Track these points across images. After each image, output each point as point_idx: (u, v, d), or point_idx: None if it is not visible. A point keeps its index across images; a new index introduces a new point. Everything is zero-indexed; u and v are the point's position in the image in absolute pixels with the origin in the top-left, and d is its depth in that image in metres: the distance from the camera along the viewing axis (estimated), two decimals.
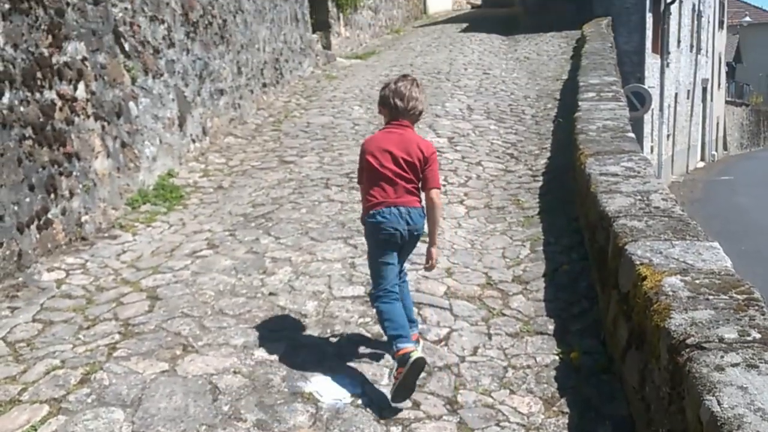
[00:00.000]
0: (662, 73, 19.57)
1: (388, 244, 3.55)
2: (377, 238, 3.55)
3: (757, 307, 2.75)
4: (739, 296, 2.87)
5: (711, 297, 2.88)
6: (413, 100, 3.57)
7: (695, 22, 26.10)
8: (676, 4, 20.67)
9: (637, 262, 3.31)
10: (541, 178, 7.29)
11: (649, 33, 17.23)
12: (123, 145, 6.19)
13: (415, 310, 4.07)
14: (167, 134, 7.14)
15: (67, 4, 5.45)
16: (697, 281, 3.04)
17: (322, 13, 14.01)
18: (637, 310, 3.15)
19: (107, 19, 6.07)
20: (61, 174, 5.17)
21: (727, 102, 39.28)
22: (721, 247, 3.48)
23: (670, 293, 2.93)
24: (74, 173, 5.35)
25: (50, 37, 5.17)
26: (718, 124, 34.93)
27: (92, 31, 5.79)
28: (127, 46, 6.40)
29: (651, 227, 3.83)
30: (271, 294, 4.50)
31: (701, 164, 29.87)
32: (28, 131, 4.81)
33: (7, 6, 4.68)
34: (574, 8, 16.67)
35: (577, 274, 4.85)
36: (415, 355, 3.31)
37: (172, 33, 7.37)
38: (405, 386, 3.33)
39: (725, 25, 37.34)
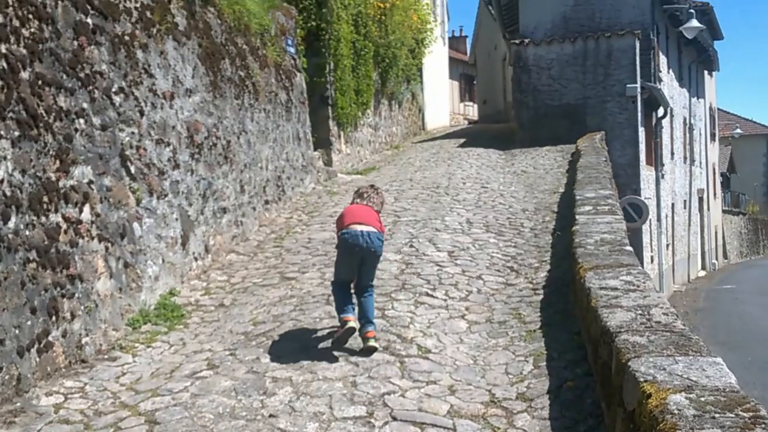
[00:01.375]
0: (658, 184, 19.90)
1: (350, 254, 5.66)
2: (342, 247, 5.70)
3: (763, 426, 2.72)
4: (745, 414, 2.84)
5: (717, 415, 2.84)
6: (368, 197, 6.01)
7: (687, 135, 26.78)
8: (668, 118, 21.28)
9: (641, 379, 3.29)
10: (542, 291, 7.29)
11: (642, 146, 17.65)
12: (126, 265, 6.25)
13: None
14: (170, 253, 7.22)
15: (76, 129, 5.64)
16: (702, 399, 3.01)
17: (324, 131, 14.42)
18: (644, 430, 3.09)
19: (114, 143, 6.27)
20: (63, 296, 5.20)
21: (724, 211, 39.73)
22: (724, 363, 3.46)
23: (676, 412, 2.89)
24: (76, 295, 5.38)
25: (58, 162, 5.33)
26: (716, 233, 35.19)
27: (99, 155, 5.96)
28: (132, 169, 6.57)
29: (653, 342, 3.81)
30: (271, 416, 4.43)
31: (702, 273, 29.87)
32: (33, 254, 4.88)
33: (16, 133, 4.85)
34: (567, 123, 17.15)
35: (582, 391, 4.78)
36: (350, 324, 5.49)
37: (177, 155, 7.58)
38: (339, 342, 5.56)
39: (717, 137, 38.26)
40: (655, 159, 19.85)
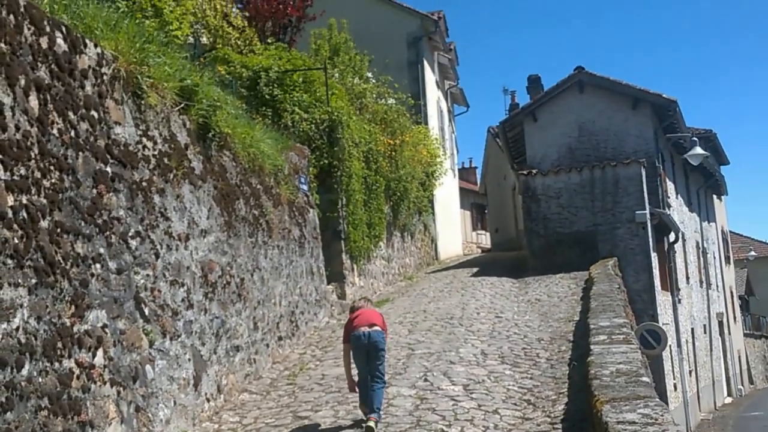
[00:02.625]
0: (675, 309, 19.72)
1: (357, 349, 7.43)
2: (353, 346, 7.48)
3: None
4: None
5: None
6: (367, 301, 8.27)
7: (701, 259, 26.76)
8: (680, 242, 21.36)
9: None
10: (560, 425, 7.12)
11: (656, 271, 17.66)
12: (137, 409, 6.20)
13: None
14: (182, 395, 7.17)
15: (92, 274, 5.77)
16: None
17: (337, 264, 14.56)
18: None
19: (129, 286, 6.38)
20: None
21: (745, 335, 39.02)
22: None
23: None
24: None
25: (73, 307, 5.42)
26: (740, 357, 34.39)
27: (114, 298, 6.06)
28: (146, 311, 6.65)
29: None
30: None
31: (729, 399, 28.97)
32: (45, 402, 4.88)
33: (33, 281, 4.97)
34: (579, 250, 17.28)
35: None
36: (369, 424, 6.91)
37: (191, 295, 7.68)
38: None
39: (732, 260, 38.14)
40: (671, 284, 19.77)
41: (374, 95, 19.00)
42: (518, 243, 26.32)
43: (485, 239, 38.16)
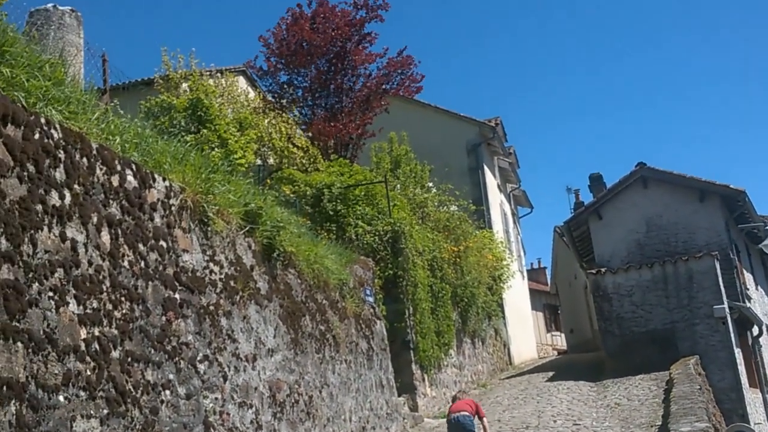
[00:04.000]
0: (766, 407, 18.60)
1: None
2: (447, 430, 10.21)
3: None
4: None
5: None
6: (463, 392, 10.79)
7: None
8: (765, 336, 20.38)
9: None
10: None
11: (741, 368, 16.82)
12: None
13: None
14: None
15: (162, 401, 5.89)
16: None
17: (407, 375, 14.39)
18: None
19: (198, 411, 6.47)
20: None
21: None
22: None
23: None
24: None
25: None
26: None
27: (183, 424, 6.15)
28: None
29: None
30: None
31: None
32: None
33: (105, 411, 5.11)
34: (657, 349, 16.67)
35: None
36: None
37: (259, 416, 7.71)
38: None
39: None
40: (759, 380, 18.74)
41: (436, 203, 19.26)
42: (594, 343, 25.54)
43: (560, 340, 37.19)
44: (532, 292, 32.66)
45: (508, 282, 22.98)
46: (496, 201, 26.03)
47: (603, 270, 18.54)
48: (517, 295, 26.03)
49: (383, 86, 19.79)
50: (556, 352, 33.09)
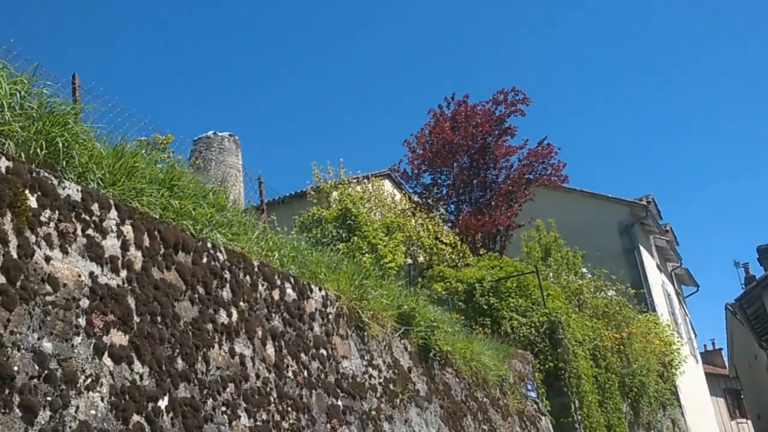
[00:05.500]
0: None
1: None
2: None
3: None
4: None
5: None
6: None
7: None
8: None
9: None
10: None
11: None
12: None
13: None
14: None
15: None
16: None
17: None
18: None
19: None
20: None
21: None
22: None
23: None
24: None
25: None
26: None
27: None
28: None
29: None
30: None
31: None
32: None
33: None
34: None
35: None
36: None
37: None
38: None
39: None
40: None
41: (592, 289, 18.64)
42: None
43: (747, 428, 34.01)
44: (709, 377, 30.35)
45: (681, 367, 21.53)
46: (657, 282, 24.81)
47: None
48: (692, 381, 24.28)
49: (526, 176, 19.79)
50: None
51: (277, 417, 5.62)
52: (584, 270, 19.72)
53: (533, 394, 12.56)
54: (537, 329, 13.99)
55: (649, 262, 24.49)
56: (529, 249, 19.55)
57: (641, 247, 23.86)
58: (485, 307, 14.31)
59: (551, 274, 18.00)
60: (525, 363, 12.81)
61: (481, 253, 17.06)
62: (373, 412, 7.21)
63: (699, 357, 29.40)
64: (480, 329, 13.17)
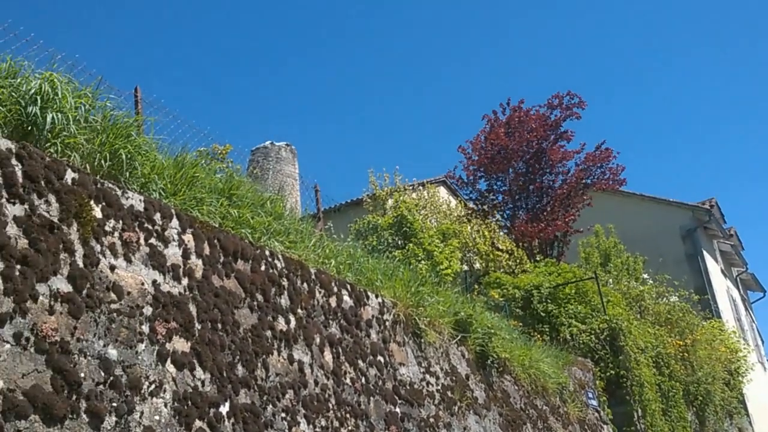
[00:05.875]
0: None
1: None
2: None
3: None
4: None
5: None
6: None
7: None
8: None
9: None
10: None
11: None
12: None
13: None
14: None
15: None
16: None
17: None
18: None
19: None
20: None
21: None
22: None
23: None
24: None
25: None
26: None
27: None
28: None
29: None
30: None
31: None
32: None
33: None
34: None
35: None
36: None
37: None
38: None
39: None
40: None
41: (653, 296, 18.21)
42: None
43: None
44: None
45: (748, 375, 20.84)
46: (722, 287, 24.10)
47: None
48: (760, 388, 23.47)
49: (583, 181, 19.48)
50: None
51: (336, 424, 5.65)
52: (645, 276, 19.28)
53: (594, 403, 12.32)
54: (597, 336, 13.73)
55: (713, 268, 23.81)
56: (587, 255, 19.20)
57: (705, 252, 23.21)
58: (543, 313, 14.12)
59: (611, 280, 17.65)
60: (585, 371, 12.58)
61: (538, 259, 16.85)
62: (431, 420, 7.19)
63: (767, 364, 28.41)
64: (538, 336, 12.99)
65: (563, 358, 11.95)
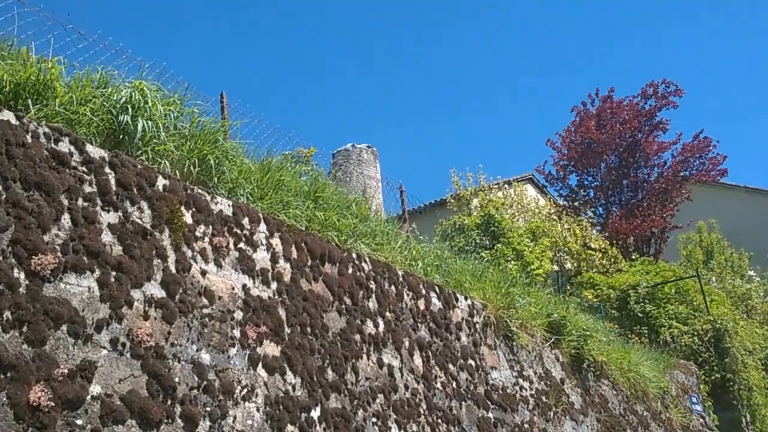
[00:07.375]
0: None
1: None
2: None
3: None
4: None
5: None
6: None
7: None
8: None
9: None
10: None
11: None
12: None
13: None
14: None
15: None
16: None
17: None
18: None
19: None
20: None
21: None
22: None
23: None
24: None
25: None
26: None
27: None
28: None
29: None
30: None
31: None
32: None
33: None
34: None
35: None
36: None
37: None
38: None
39: None
40: None
41: (761, 294, 17.27)
42: None
43: None
44: None
45: None
46: None
47: None
48: None
49: (681, 174, 18.69)
50: None
51: (428, 429, 5.54)
52: (752, 273, 18.33)
53: (699, 408, 11.76)
54: (700, 338, 13.11)
55: None
56: (688, 252, 18.42)
57: None
58: (641, 314, 13.59)
59: (714, 278, 16.86)
60: (688, 374, 12.03)
61: (634, 257, 16.24)
62: (526, 426, 6.98)
63: None
64: (636, 338, 12.51)
65: (664, 361, 11.46)
